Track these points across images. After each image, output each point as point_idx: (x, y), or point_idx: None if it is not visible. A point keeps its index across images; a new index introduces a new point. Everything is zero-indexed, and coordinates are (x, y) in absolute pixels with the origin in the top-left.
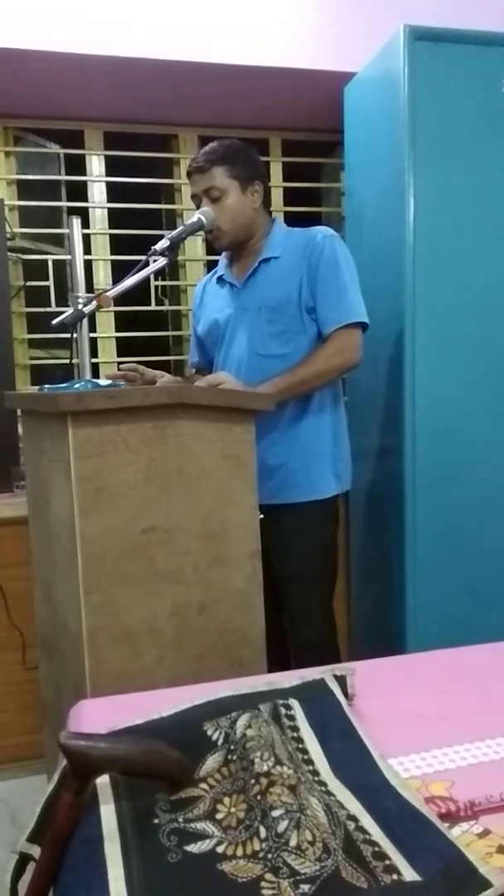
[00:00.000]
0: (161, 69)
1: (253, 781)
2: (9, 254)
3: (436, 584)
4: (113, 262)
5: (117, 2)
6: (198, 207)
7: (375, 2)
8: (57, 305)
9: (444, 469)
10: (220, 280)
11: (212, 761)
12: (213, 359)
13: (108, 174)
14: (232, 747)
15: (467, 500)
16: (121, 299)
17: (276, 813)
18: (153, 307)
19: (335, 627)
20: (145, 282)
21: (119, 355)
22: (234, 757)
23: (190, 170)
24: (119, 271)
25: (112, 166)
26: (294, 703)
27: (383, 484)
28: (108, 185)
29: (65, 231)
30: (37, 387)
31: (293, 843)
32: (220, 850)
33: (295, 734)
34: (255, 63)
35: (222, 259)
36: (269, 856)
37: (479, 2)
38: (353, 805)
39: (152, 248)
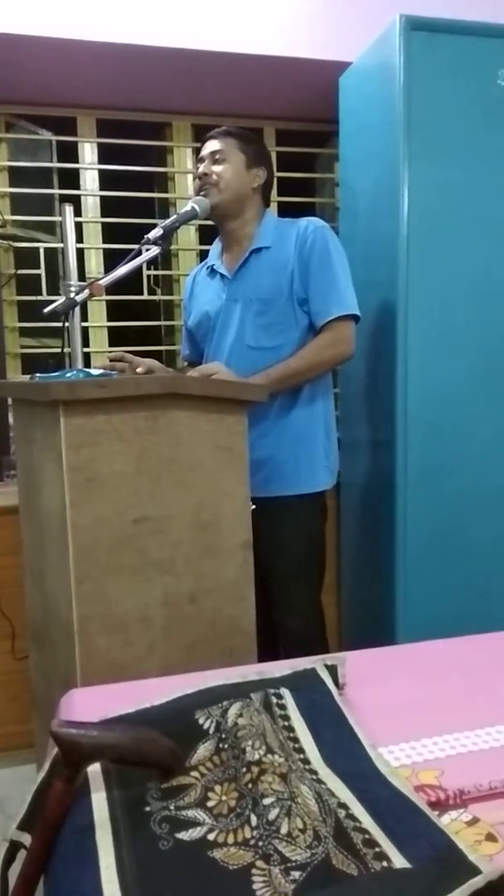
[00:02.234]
0: (155, 57)
1: (244, 770)
2: (0, 241)
3: (426, 576)
4: (105, 250)
5: None
6: (198, 176)
7: None
8: (48, 294)
9: (435, 462)
10: (212, 271)
11: (203, 750)
12: (203, 351)
13: (100, 162)
14: (223, 736)
15: (458, 493)
16: (113, 288)
17: (267, 801)
18: (145, 296)
19: (323, 619)
20: (138, 271)
21: (111, 345)
22: (226, 745)
23: (207, 135)
24: (111, 260)
25: (105, 154)
26: (285, 692)
27: (375, 476)
28: (101, 172)
29: (57, 219)
30: (28, 376)
31: (284, 830)
32: (211, 837)
33: (286, 723)
34: (250, 52)
35: (213, 249)
36: (260, 843)
37: None
38: (344, 793)
39: (145, 236)
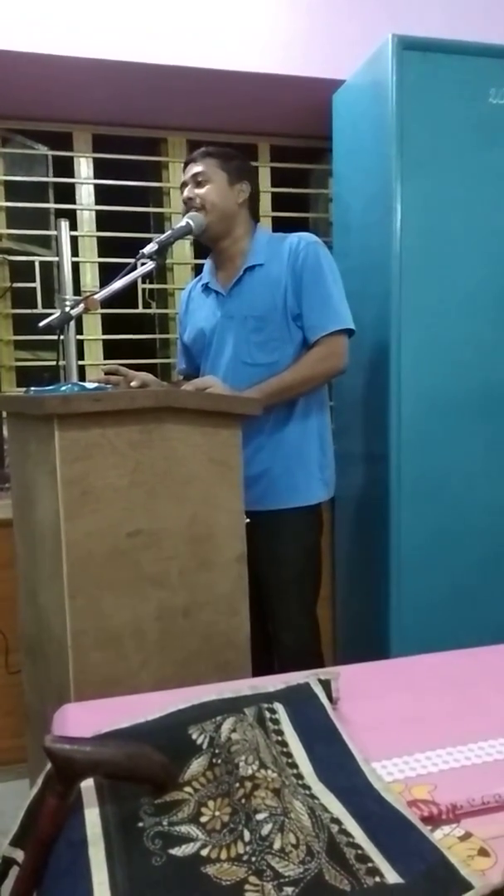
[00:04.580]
0: (151, 73)
1: (237, 785)
2: None
3: (420, 589)
4: (100, 264)
5: (108, 5)
6: (183, 201)
7: (365, 11)
8: (43, 307)
9: (429, 475)
10: (206, 288)
11: (196, 765)
12: (199, 366)
13: (96, 176)
14: (217, 751)
15: (452, 506)
16: (108, 302)
17: (260, 816)
18: (140, 310)
19: (319, 633)
20: (133, 285)
21: (106, 358)
22: (219, 760)
23: (186, 159)
24: (106, 273)
25: (100, 169)
26: (279, 707)
27: (369, 489)
28: (97, 187)
29: (52, 233)
30: (23, 389)
31: (277, 846)
32: (204, 853)
33: (279, 738)
34: (244, 69)
35: (207, 266)
36: (253, 859)
37: (467, 13)
38: (337, 808)
39: (140, 251)
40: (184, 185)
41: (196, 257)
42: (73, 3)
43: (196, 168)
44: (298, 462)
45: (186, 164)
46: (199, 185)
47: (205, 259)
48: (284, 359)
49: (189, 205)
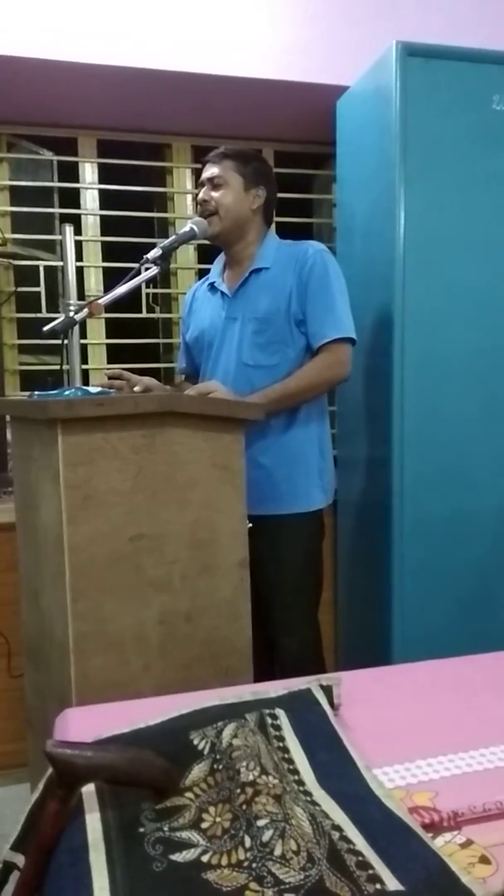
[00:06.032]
0: (156, 79)
1: (238, 791)
2: (0, 259)
3: (423, 595)
4: (104, 268)
5: (113, 11)
6: (198, 202)
7: (368, 18)
8: (48, 311)
9: (432, 480)
10: (212, 287)
11: (198, 770)
12: (200, 365)
13: (100, 182)
14: (218, 756)
15: (455, 512)
16: (112, 306)
17: (261, 822)
18: (144, 314)
19: (320, 638)
20: (136, 289)
21: (109, 362)
22: (220, 766)
23: (204, 159)
24: (111, 278)
25: (105, 174)
26: (280, 712)
27: (371, 495)
28: (101, 192)
29: (57, 237)
30: (27, 393)
31: (278, 852)
32: (205, 859)
33: (281, 744)
34: (249, 75)
35: (215, 265)
36: (254, 865)
37: (470, 19)
38: (338, 815)
39: (144, 256)
40: (200, 184)
41: (200, 262)
42: (78, 9)
43: (213, 170)
44: (299, 467)
45: (204, 164)
46: (215, 188)
47: (209, 264)
48: (286, 362)
49: (204, 207)
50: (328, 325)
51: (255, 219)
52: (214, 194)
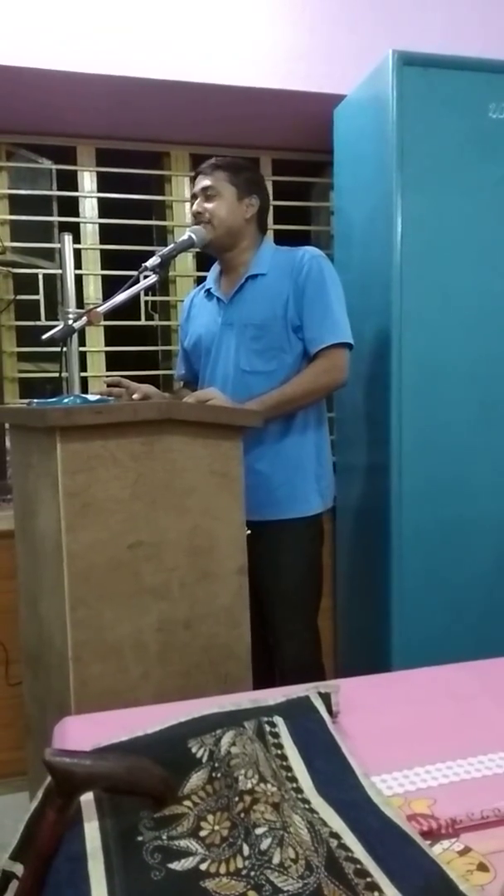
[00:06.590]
0: (154, 88)
1: (237, 799)
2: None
3: (421, 601)
4: (103, 276)
5: (112, 21)
6: (193, 213)
7: (365, 27)
8: (47, 319)
9: (430, 486)
10: (209, 294)
11: (196, 779)
12: (198, 372)
13: (99, 190)
14: (216, 765)
15: (453, 518)
16: (111, 314)
17: (259, 830)
18: (143, 322)
19: (320, 644)
20: (135, 297)
21: (108, 369)
22: (219, 774)
23: (196, 170)
24: (109, 286)
25: (104, 182)
26: (279, 720)
27: (370, 501)
28: (100, 200)
29: (56, 246)
30: (26, 400)
31: (276, 860)
32: (203, 867)
33: (279, 752)
34: (247, 84)
35: (212, 272)
36: (253, 873)
37: (466, 28)
38: (336, 822)
39: (143, 264)
40: (194, 196)
41: (199, 269)
42: (77, 19)
43: (205, 181)
44: (297, 472)
45: (196, 176)
46: (207, 199)
47: (207, 272)
48: (283, 367)
49: (198, 219)
50: (325, 330)
51: (249, 227)
52: (208, 206)
